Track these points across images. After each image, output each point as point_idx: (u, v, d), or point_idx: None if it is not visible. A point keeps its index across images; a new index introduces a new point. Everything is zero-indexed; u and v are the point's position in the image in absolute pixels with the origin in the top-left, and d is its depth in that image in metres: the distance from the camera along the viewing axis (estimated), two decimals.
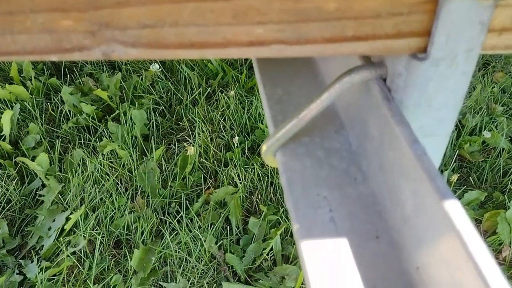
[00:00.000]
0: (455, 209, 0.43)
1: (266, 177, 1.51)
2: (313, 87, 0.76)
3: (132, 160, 1.58)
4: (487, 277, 0.38)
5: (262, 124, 1.71)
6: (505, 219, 1.47)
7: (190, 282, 1.30)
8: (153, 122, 1.72)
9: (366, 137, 0.63)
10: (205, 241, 1.35)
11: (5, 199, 1.47)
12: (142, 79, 1.88)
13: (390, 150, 0.56)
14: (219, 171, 1.56)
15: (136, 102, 1.78)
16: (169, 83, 1.87)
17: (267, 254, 1.36)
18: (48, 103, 1.80)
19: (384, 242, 0.53)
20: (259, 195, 1.49)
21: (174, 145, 1.66)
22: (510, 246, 1.44)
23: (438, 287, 0.45)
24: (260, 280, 1.31)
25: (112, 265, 1.33)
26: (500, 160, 1.63)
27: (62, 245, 1.32)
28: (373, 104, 0.60)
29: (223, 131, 1.69)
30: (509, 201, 1.50)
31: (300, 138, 0.67)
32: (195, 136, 1.66)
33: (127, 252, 1.35)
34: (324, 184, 0.61)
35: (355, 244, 0.53)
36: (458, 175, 1.56)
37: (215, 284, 1.31)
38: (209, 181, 1.55)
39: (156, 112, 1.77)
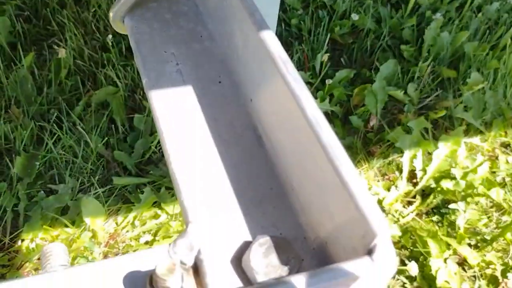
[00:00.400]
0: (268, 36, 0.48)
1: None
2: None
3: (0, 70, 1.47)
4: (291, 84, 0.44)
5: None
6: (371, 92, 1.62)
7: (80, 181, 1.31)
8: (18, 29, 1.60)
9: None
10: (90, 142, 1.34)
11: None
12: None
13: (224, 2, 0.59)
14: (97, 72, 1.51)
15: None
16: None
17: (155, 147, 1.39)
18: None
19: (225, 85, 0.58)
20: (142, 92, 1.49)
21: (46, 51, 1.57)
22: (376, 116, 1.61)
23: (267, 114, 0.52)
24: (151, 172, 1.35)
25: None
26: (367, 40, 1.76)
27: None
28: None
29: (97, 32, 1.61)
30: (375, 76, 1.65)
31: (148, 3, 0.68)
32: (67, 39, 1.57)
33: (8, 161, 1.31)
34: (172, 42, 0.63)
35: (199, 89, 0.57)
36: (329, 55, 1.66)
37: (106, 181, 1.33)
38: (88, 84, 1.51)
39: (21, 18, 1.63)
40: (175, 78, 0.58)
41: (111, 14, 0.66)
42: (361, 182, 0.36)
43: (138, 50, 0.61)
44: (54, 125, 1.38)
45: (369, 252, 0.33)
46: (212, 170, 0.48)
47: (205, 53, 0.62)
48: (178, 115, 0.54)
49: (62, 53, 1.48)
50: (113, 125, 1.43)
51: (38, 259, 1.17)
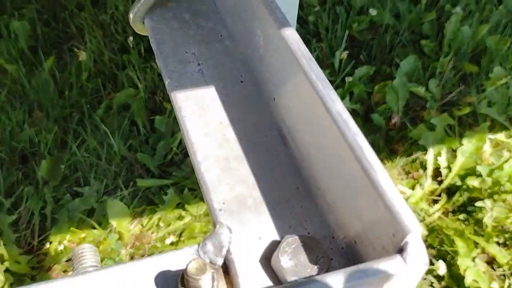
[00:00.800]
0: (290, 33, 0.48)
1: None
2: None
3: (22, 73, 1.50)
4: (313, 79, 0.44)
5: None
6: (392, 89, 1.60)
7: (104, 184, 1.32)
8: (38, 33, 1.62)
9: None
10: (113, 144, 1.36)
11: None
12: None
13: (243, 5, 0.58)
14: (118, 74, 1.53)
15: (17, 14, 1.65)
16: None
17: (177, 148, 1.40)
18: None
19: (248, 84, 0.58)
20: (162, 94, 1.50)
21: (66, 54, 1.59)
22: (398, 113, 1.59)
23: (291, 113, 0.51)
24: (174, 173, 1.36)
25: (21, 178, 1.31)
26: (386, 36, 1.74)
27: None
28: None
29: (116, 34, 1.63)
30: (395, 72, 1.63)
31: (167, 3, 0.68)
32: (86, 42, 1.59)
33: (34, 165, 1.33)
34: (193, 42, 0.63)
35: (221, 89, 0.57)
36: (348, 52, 1.65)
37: (131, 183, 1.34)
38: (109, 86, 1.52)
39: (40, 22, 1.66)
40: (197, 79, 0.58)
41: (131, 15, 0.66)
42: (390, 180, 0.36)
43: (159, 51, 0.61)
44: (80, 127, 1.40)
45: (400, 250, 0.33)
46: (238, 170, 0.47)
47: (226, 52, 0.62)
48: (201, 115, 0.54)
49: (82, 56, 1.50)
50: (134, 127, 1.44)
51: (67, 261, 1.19)
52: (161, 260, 0.39)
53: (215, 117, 0.54)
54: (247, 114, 0.54)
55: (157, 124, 1.42)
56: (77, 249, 0.44)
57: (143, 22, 0.66)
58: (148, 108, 1.48)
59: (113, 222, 1.21)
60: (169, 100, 1.49)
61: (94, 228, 1.21)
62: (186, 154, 1.40)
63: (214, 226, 0.42)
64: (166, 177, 1.34)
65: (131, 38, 1.58)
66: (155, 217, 1.25)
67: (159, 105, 1.50)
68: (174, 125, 1.42)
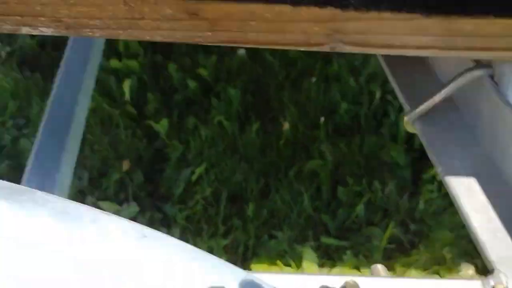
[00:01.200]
0: None
1: (351, 154, 1.80)
2: (430, 81, 1.04)
3: (236, 130, 1.88)
4: None
5: (341, 108, 1.99)
6: None
7: (295, 233, 1.60)
8: (247, 101, 2.02)
9: (478, 116, 0.91)
10: (303, 202, 1.65)
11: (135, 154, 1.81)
12: (232, 62, 2.17)
13: (500, 124, 0.83)
14: (309, 146, 1.85)
15: (232, 83, 2.08)
16: (257, 66, 2.16)
17: (355, 217, 1.64)
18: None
19: (496, 179, 0.81)
20: (345, 168, 1.78)
21: (267, 122, 1.96)
22: None
23: None
24: (351, 237, 1.60)
25: (234, 213, 1.65)
26: None
27: (191, 192, 1.65)
28: (486, 95, 0.87)
29: (309, 112, 1.97)
30: None
31: (432, 114, 0.95)
32: (285, 115, 1.95)
33: (244, 204, 1.66)
34: (453, 144, 0.89)
35: (475, 182, 0.81)
36: None
37: (315, 237, 1.60)
38: (301, 154, 1.84)
39: (248, 93, 2.06)
40: (460, 170, 0.83)
41: (405, 119, 0.94)
42: None
43: (429, 147, 0.88)
44: (278, 182, 1.72)
45: None
46: (505, 240, 0.70)
47: (478, 155, 0.86)
48: (469, 196, 0.78)
49: (285, 126, 1.85)
50: (319, 193, 1.72)
51: None
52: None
53: (478, 200, 0.78)
54: (502, 203, 0.77)
55: (339, 194, 1.68)
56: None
57: (413, 124, 0.94)
58: (332, 178, 1.76)
59: (305, 265, 1.46)
60: (350, 175, 1.76)
61: (288, 266, 1.48)
62: (361, 224, 1.63)
63: (492, 271, 0.65)
64: (344, 239, 1.58)
65: (322, 118, 1.91)
66: (333, 271, 1.49)
67: (342, 177, 1.77)
68: (353, 198, 1.68)
